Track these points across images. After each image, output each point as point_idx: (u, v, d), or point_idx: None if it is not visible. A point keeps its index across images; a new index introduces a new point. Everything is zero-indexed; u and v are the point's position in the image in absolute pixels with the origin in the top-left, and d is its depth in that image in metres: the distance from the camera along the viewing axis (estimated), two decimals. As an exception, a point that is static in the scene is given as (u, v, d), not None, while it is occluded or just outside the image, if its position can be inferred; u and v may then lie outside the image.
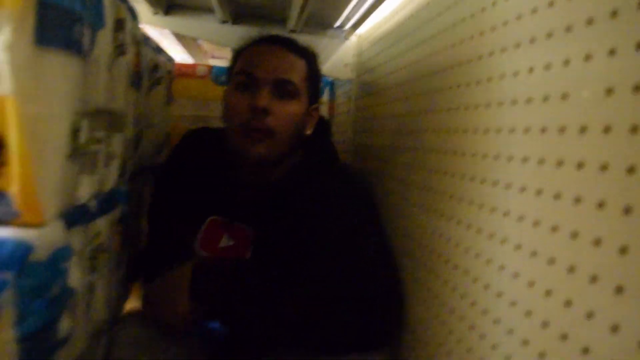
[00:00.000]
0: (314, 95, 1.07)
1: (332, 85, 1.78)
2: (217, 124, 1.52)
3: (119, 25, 0.71)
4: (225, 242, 1.02)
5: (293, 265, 0.98)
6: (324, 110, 1.69)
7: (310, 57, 1.06)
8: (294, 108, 0.99)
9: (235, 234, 1.02)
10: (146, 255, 1.19)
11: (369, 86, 1.35)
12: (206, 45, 2.43)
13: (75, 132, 0.56)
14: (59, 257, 0.56)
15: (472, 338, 0.65)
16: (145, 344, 0.89)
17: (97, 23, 0.60)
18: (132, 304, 1.23)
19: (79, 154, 0.59)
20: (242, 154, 0.98)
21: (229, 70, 1.08)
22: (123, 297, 1.06)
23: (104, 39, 0.63)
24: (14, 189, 0.49)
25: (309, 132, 1.07)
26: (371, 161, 1.28)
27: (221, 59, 2.72)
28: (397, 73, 1.11)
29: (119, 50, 0.71)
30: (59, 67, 0.50)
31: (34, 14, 0.47)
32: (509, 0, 0.64)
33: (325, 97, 1.76)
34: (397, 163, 1.04)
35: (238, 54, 1.05)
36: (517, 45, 0.60)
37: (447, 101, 0.80)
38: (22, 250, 0.49)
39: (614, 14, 0.44)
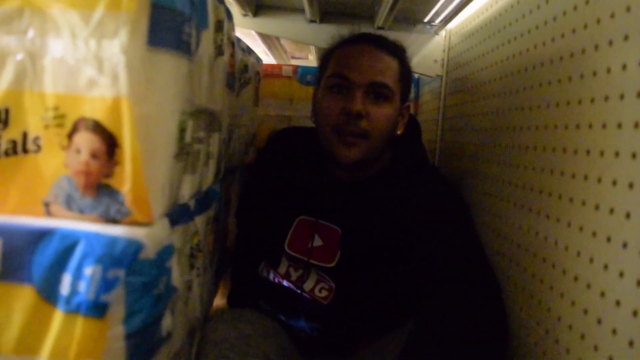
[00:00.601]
0: (406, 94, 1.04)
1: (417, 82, 1.74)
2: (301, 123, 1.53)
3: (219, 26, 0.71)
4: (314, 242, 1.02)
5: (385, 267, 0.96)
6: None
7: (401, 55, 1.03)
8: (388, 110, 0.97)
9: (324, 234, 1.01)
10: (235, 254, 1.21)
11: (460, 83, 1.30)
12: (288, 46, 2.45)
13: (181, 131, 0.56)
14: (164, 255, 0.56)
15: (583, 348, 0.60)
16: (234, 342, 0.90)
17: (202, 24, 0.60)
18: (218, 301, 1.26)
19: (184, 154, 0.59)
20: (335, 156, 0.97)
21: (320, 70, 1.07)
22: (213, 295, 1.08)
23: (207, 39, 0.64)
24: (126, 188, 0.50)
25: (400, 131, 1.04)
26: (461, 159, 1.23)
27: (302, 59, 2.74)
28: (490, 69, 1.06)
29: (219, 50, 0.72)
30: (170, 67, 0.51)
31: (148, 15, 0.47)
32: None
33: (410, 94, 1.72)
34: (492, 161, 0.99)
35: (330, 55, 1.04)
36: (626, 38, 0.55)
37: (547, 97, 0.75)
38: (133, 249, 0.50)
39: None
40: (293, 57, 3.00)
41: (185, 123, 0.57)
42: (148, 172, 0.50)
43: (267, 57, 2.40)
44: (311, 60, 2.63)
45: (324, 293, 0.99)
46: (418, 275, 0.92)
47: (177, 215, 0.62)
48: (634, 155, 0.51)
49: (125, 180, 0.49)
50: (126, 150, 0.48)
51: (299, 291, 1.01)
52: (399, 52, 1.03)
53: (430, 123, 1.52)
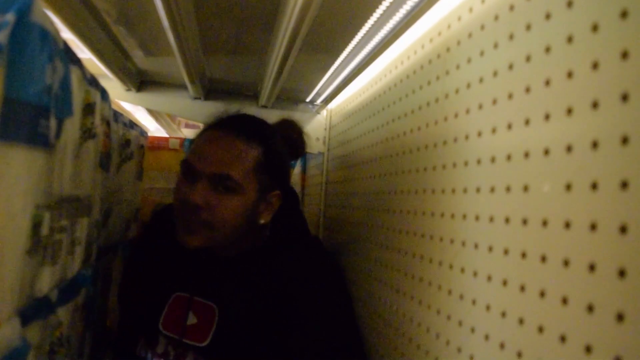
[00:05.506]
0: (272, 183, 0.99)
1: (304, 157, 1.79)
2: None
3: (88, 109, 0.70)
4: (189, 320, 0.99)
5: (260, 347, 0.95)
6: (297, 182, 1.69)
7: (268, 142, 0.99)
8: (234, 203, 0.93)
9: (199, 312, 0.99)
10: (116, 336, 1.16)
11: (340, 160, 1.36)
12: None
13: (36, 226, 0.54)
14: (14, 358, 0.52)
15: None
16: None
17: (64, 112, 0.59)
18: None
19: (40, 247, 0.56)
20: (180, 242, 0.95)
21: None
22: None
23: (72, 126, 0.62)
24: (-32, 290, 0.46)
25: (263, 220, 1.00)
26: (341, 235, 1.27)
27: (194, 129, 2.74)
28: (367, 149, 1.12)
29: (87, 134, 0.71)
30: (22, 162, 0.49)
31: (-1, 110, 0.46)
32: (470, 88, 0.66)
33: (297, 168, 1.77)
34: (367, 241, 1.03)
35: (197, 136, 1.03)
36: (480, 134, 0.62)
37: (418, 182, 0.81)
38: (-26, 357, 0.46)
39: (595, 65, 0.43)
40: (186, 126, 2.99)
41: (41, 217, 0.55)
42: (-6, 272, 0.47)
43: (159, 127, 2.37)
44: (203, 129, 2.65)
45: None
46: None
47: (32, 311, 0.58)
48: (491, 219, 0.56)
49: (-33, 282, 0.46)
50: (-31, 251, 0.45)
51: None
52: (265, 139, 0.99)
53: (315, 197, 1.57)
